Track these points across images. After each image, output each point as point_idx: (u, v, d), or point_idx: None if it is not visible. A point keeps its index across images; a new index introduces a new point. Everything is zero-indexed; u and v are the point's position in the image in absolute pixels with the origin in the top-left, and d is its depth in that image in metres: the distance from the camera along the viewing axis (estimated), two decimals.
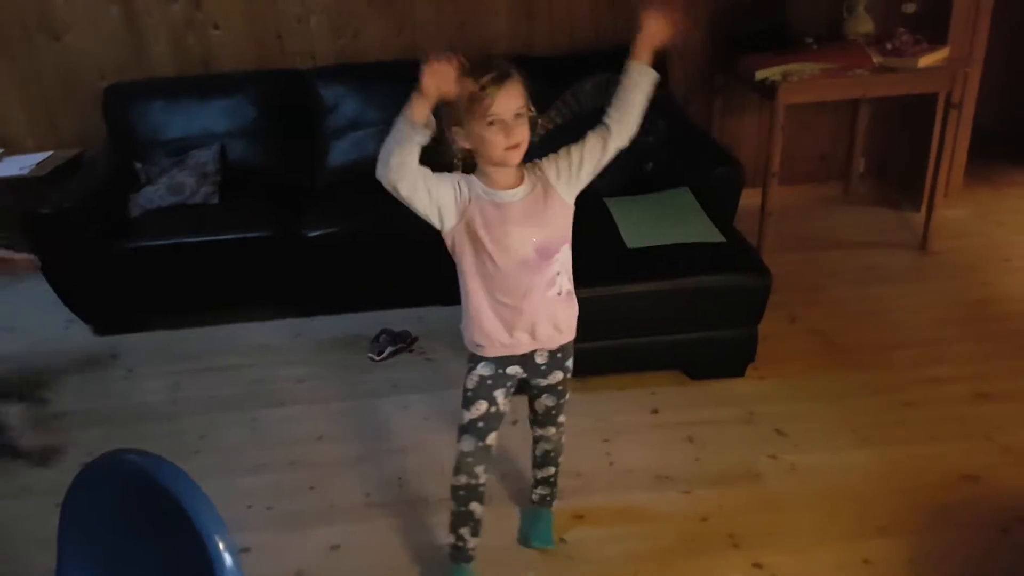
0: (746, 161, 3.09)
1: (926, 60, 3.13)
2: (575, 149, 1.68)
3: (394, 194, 1.56)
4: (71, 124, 3.56)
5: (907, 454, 2.29)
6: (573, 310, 1.81)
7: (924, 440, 2.34)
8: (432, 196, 1.59)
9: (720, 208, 2.81)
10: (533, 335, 1.74)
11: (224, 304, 3.16)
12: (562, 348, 1.82)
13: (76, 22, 3.41)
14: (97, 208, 3.03)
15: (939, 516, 2.07)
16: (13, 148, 3.56)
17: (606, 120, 1.68)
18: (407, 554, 2.06)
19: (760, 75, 3.10)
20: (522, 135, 1.57)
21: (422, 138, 1.51)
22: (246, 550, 2.08)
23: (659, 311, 2.50)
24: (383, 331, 2.91)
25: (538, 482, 2.10)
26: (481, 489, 1.88)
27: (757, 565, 1.95)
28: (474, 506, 1.89)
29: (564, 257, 1.74)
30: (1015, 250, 3.39)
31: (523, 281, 1.68)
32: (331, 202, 3.14)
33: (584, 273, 2.42)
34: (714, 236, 2.60)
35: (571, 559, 2.01)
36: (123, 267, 2.99)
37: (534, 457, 2.07)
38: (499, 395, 1.80)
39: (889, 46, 3.22)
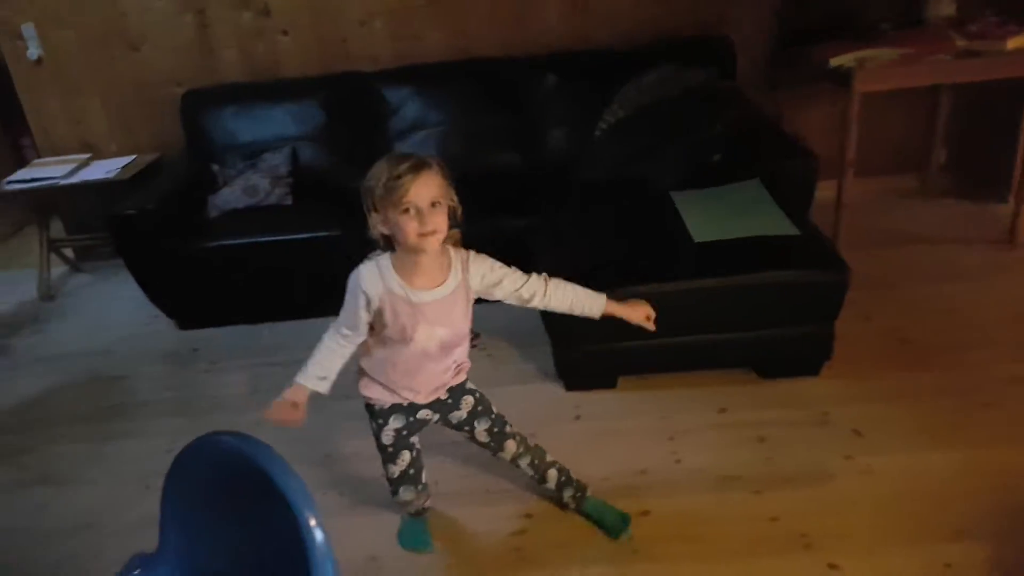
0: (816, 152, 3.01)
1: (1015, 43, 2.97)
2: (507, 277, 1.82)
3: None
4: (150, 130, 3.72)
5: (987, 456, 2.19)
6: (461, 378, 1.97)
7: (1004, 441, 2.24)
8: (363, 325, 1.78)
9: (794, 200, 2.72)
10: (421, 394, 1.90)
11: (298, 300, 3.25)
12: (459, 383, 1.96)
13: (152, 33, 3.57)
14: (177, 209, 3.17)
15: (1022, 519, 1.98)
16: (98, 153, 3.75)
17: (544, 288, 1.85)
18: (475, 539, 2.10)
19: (835, 62, 3.01)
20: (437, 223, 1.63)
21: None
22: None
23: (729, 308, 2.44)
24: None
25: (557, 493, 2.11)
26: (425, 505, 2.12)
27: (832, 566, 1.90)
28: (424, 509, 2.13)
29: (462, 350, 1.90)
30: None
31: (420, 366, 1.83)
32: None
33: (648, 268, 2.43)
34: (788, 229, 2.51)
35: (637, 554, 2.00)
36: (202, 265, 3.11)
37: (530, 479, 2.11)
38: (415, 440, 1.98)
39: (973, 29, 3.08)
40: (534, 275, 1.85)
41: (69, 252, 4.07)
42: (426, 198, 1.61)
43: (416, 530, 2.13)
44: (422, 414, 1.94)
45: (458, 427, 2.00)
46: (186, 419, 2.73)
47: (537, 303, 1.85)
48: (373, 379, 1.89)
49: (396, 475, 1.98)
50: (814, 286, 2.40)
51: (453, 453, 2.42)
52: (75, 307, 3.70)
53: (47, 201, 3.77)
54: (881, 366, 2.61)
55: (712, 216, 2.66)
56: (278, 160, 3.31)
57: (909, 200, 3.75)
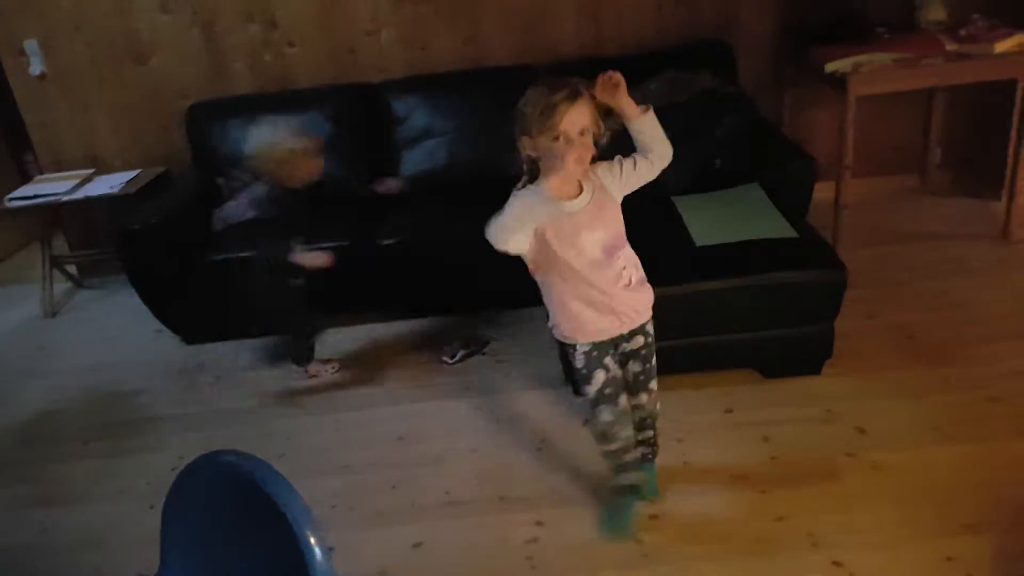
0: (820, 154, 3.04)
1: (1003, 46, 3.03)
2: (627, 161, 1.86)
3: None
4: (156, 143, 3.74)
5: (991, 450, 2.22)
6: (647, 295, 1.99)
7: (1009, 436, 2.27)
8: (523, 233, 1.76)
9: (793, 203, 2.77)
10: (619, 320, 1.92)
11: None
12: (644, 320, 2.00)
13: (160, 46, 3.59)
14: (182, 223, 3.19)
15: None
16: (103, 168, 3.76)
17: (646, 156, 1.86)
18: (488, 550, 2.11)
19: (830, 67, 3.05)
20: (586, 151, 1.72)
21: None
22: (331, 549, 2.14)
23: (731, 309, 2.48)
24: (456, 335, 2.98)
25: (639, 443, 2.15)
26: (631, 440, 2.04)
27: (837, 563, 1.93)
28: (632, 455, 2.07)
29: (628, 253, 1.93)
30: None
31: (597, 278, 1.85)
32: (404, 211, 3.21)
33: (651, 272, 2.45)
34: (787, 232, 2.56)
35: (647, 557, 2.02)
36: (207, 279, 3.13)
37: (633, 422, 2.13)
38: (608, 362, 1.96)
39: (964, 33, 3.13)
40: (635, 155, 1.87)
41: (73, 268, 4.08)
42: (577, 126, 1.69)
43: (621, 511, 2.12)
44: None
45: (619, 356, 2.02)
46: (193, 435, 2.74)
47: (660, 160, 1.87)
48: (567, 318, 1.92)
49: (592, 396, 1.98)
50: (813, 286, 2.45)
51: (465, 462, 2.45)
52: (79, 323, 3.72)
53: (50, 217, 3.79)
54: (885, 363, 2.65)
55: (713, 220, 2.70)
56: None
57: (908, 199, 3.79)
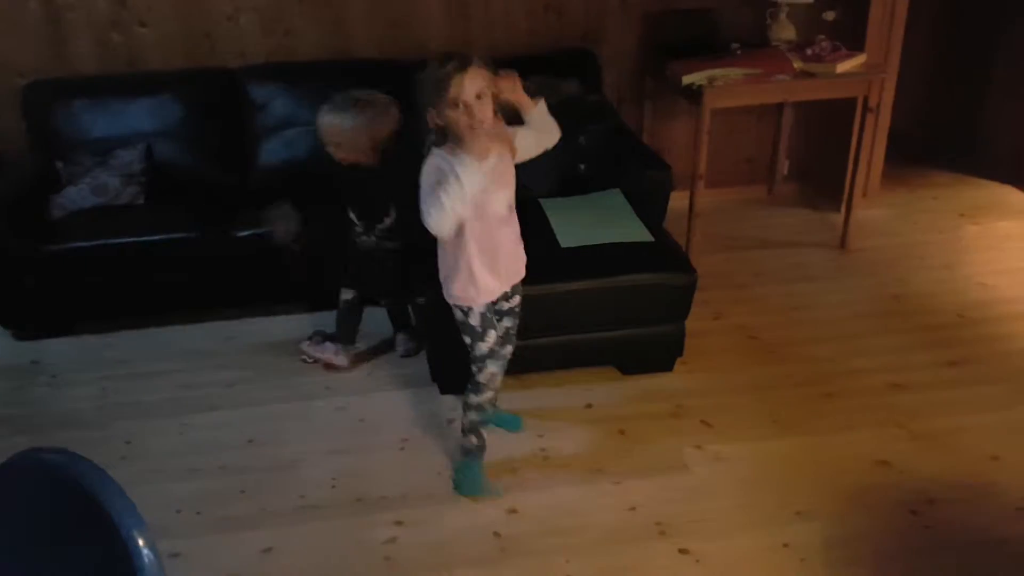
0: (676, 164, 3.17)
1: (844, 66, 3.27)
2: (520, 133, 2.01)
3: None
4: None
5: (825, 442, 2.39)
6: (524, 255, 2.18)
7: (841, 429, 2.45)
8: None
9: (651, 209, 2.88)
10: (509, 277, 2.13)
11: (151, 308, 3.09)
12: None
13: None
14: (15, 209, 2.94)
15: (854, 500, 2.17)
16: None
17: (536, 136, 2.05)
18: (342, 555, 2.06)
19: (686, 80, 3.18)
20: (484, 113, 1.84)
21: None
22: (176, 555, 2.05)
23: (592, 309, 2.56)
24: (316, 332, 2.89)
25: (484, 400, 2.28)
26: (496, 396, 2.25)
27: (683, 551, 2.02)
28: (493, 408, 2.27)
29: (516, 218, 2.11)
30: (929, 249, 3.56)
31: (501, 234, 2.04)
32: (261, 202, 3.09)
33: None
34: (644, 236, 2.67)
35: (504, 551, 2.04)
36: (44, 270, 2.90)
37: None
38: (497, 321, 2.16)
39: (809, 52, 3.35)
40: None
41: None
42: (472, 91, 1.81)
43: (478, 473, 2.25)
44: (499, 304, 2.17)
45: (498, 312, 2.18)
46: (27, 438, 2.51)
47: (542, 146, 2.09)
48: (470, 279, 2.04)
49: (485, 351, 2.13)
50: (666, 288, 2.56)
51: (321, 464, 2.39)
52: None
53: None
54: (730, 361, 2.80)
55: (577, 223, 2.77)
56: (131, 157, 3.14)
57: (757, 208, 4.01)
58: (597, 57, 3.56)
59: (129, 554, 1.08)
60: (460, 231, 1.96)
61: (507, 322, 2.22)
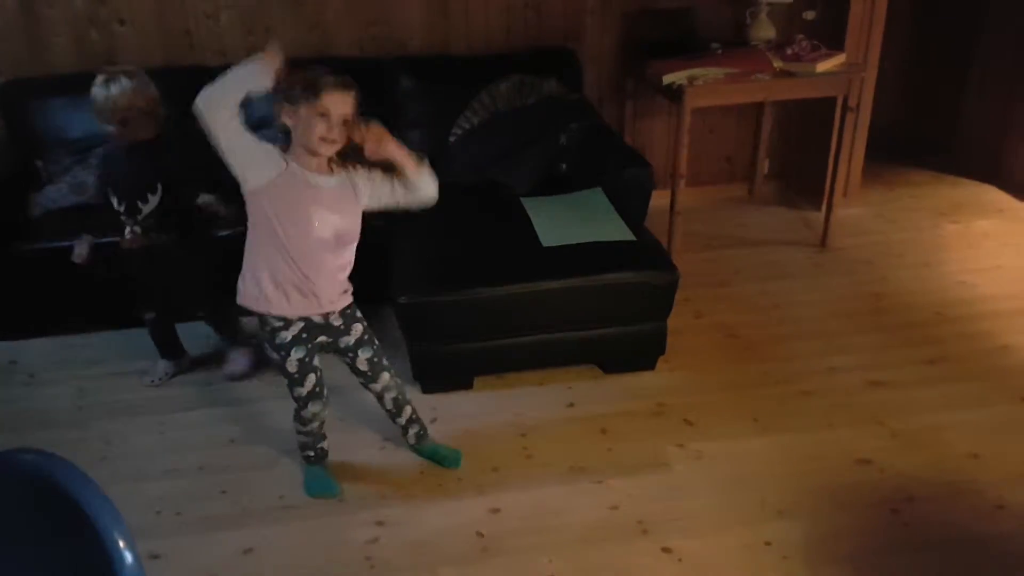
0: (657, 163, 3.19)
1: (823, 65, 3.29)
2: (387, 178, 1.99)
3: (212, 127, 1.77)
4: None
5: (805, 440, 2.41)
6: (349, 298, 2.09)
7: (821, 427, 2.46)
8: (253, 148, 1.83)
9: (632, 208, 2.88)
10: (318, 300, 1.99)
11: (129, 307, 3.06)
12: (349, 307, 2.10)
13: None
14: None
15: (834, 498, 2.18)
16: None
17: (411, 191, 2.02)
18: (322, 553, 2.06)
19: (667, 79, 3.19)
20: (340, 136, 1.84)
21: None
22: (156, 556, 2.03)
23: (574, 307, 2.56)
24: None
25: (405, 427, 2.33)
26: (323, 419, 2.22)
27: (666, 549, 2.02)
28: (320, 429, 2.24)
29: (351, 255, 2.02)
30: (907, 247, 3.59)
31: (318, 257, 1.94)
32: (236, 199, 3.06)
33: (500, 271, 2.51)
34: (625, 235, 2.67)
35: (486, 551, 2.04)
36: (23, 269, 2.87)
37: (387, 412, 2.27)
38: (317, 362, 2.11)
39: (789, 52, 3.37)
40: (398, 180, 2.00)
41: None
42: (340, 111, 1.81)
43: (320, 475, 2.27)
44: (320, 340, 2.08)
45: (343, 352, 2.14)
46: (5, 438, 2.49)
47: (414, 202, 2.05)
48: (259, 286, 1.96)
49: (304, 395, 2.11)
50: (647, 287, 2.56)
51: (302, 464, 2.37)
52: None
53: None
54: (711, 359, 2.81)
55: (559, 222, 2.78)
56: None
57: (738, 207, 4.04)
58: (578, 56, 3.56)
59: (109, 555, 1.08)
60: (256, 224, 1.92)
61: (364, 354, 2.14)
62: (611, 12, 3.66)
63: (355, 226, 1.99)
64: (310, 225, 1.89)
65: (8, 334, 3.03)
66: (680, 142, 3.19)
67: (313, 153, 1.86)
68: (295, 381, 2.09)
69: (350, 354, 2.14)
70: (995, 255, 3.51)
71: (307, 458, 2.28)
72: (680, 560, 1.99)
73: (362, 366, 2.16)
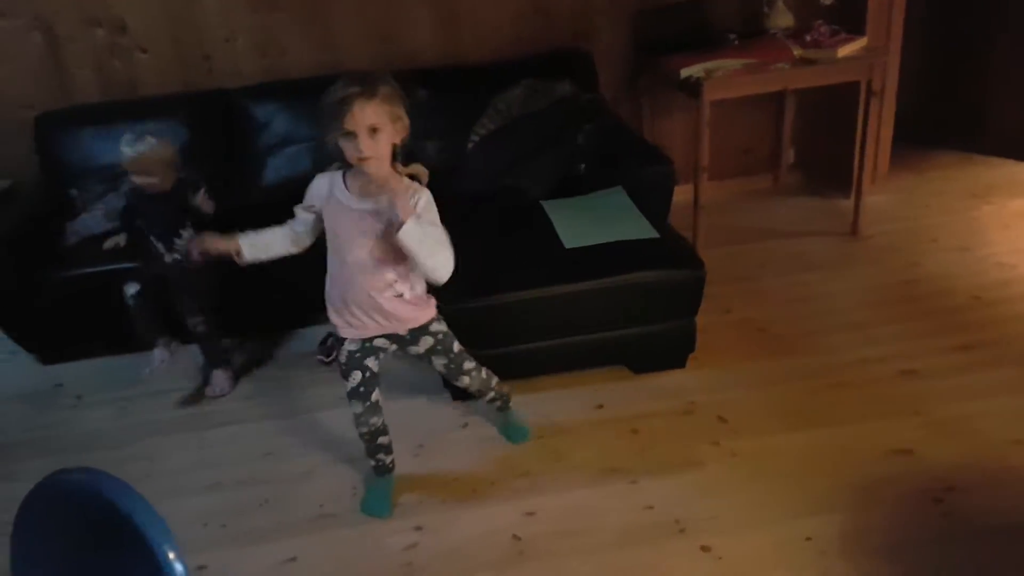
0: (677, 158, 3.16)
1: (844, 50, 3.24)
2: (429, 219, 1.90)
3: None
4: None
5: (841, 433, 2.38)
6: (413, 311, 2.06)
7: (856, 419, 2.43)
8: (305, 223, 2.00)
9: (654, 205, 2.87)
10: (364, 320, 2.02)
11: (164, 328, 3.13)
12: (419, 326, 2.09)
13: None
14: (32, 237, 2.99)
15: (874, 490, 2.15)
16: None
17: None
18: (363, 562, 2.08)
19: (684, 73, 3.18)
20: (371, 149, 1.76)
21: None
22: (203, 568, 2.08)
23: (600, 309, 2.55)
24: (330, 335, 2.92)
25: (488, 402, 2.42)
26: (381, 427, 2.17)
27: (704, 548, 2.01)
28: (381, 439, 2.20)
29: (403, 271, 1.98)
30: (941, 231, 3.52)
31: (353, 278, 1.95)
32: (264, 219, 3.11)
33: (524, 275, 2.51)
34: (649, 233, 2.66)
35: (522, 554, 2.05)
36: (62, 295, 2.95)
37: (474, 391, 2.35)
38: (370, 363, 2.08)
39: (808, 38, 3.33)
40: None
41: None
42: (364, 124, 1.73)
43: (379, 494, 2.26)
44: (379, 342, 2.08)
45: (416, 357, 2.17)
46: (53, 459, 2.56)
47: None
48: (329, 304, 2.05)
49: (348, 390, 2.10)
50: (674, 284, 2.55)
51: (338, 473, 2.42)
52: None
53: None
54: (741, 355, 2.78)
55: (580, 223, 2.77)
56: None
57: (763, 199, 4.00)
58: (590, 56, 3.55)
59: (160, 568, 1.11)
60: (331, 247, 1.99)
61: (438, 361, 2.17)
62: (621, 10, 3.65)
63: (396, 249, 1.89)
64: (349, 249, 1.93)
65: (54, 357, 3.13)
66: (700, 136, 3.18)
67: (362, 172, 1.84)
68: (343, 373, 2.11)
69: (423, 360, 2.18)
70: None
71: (373, 467, 2.28)
72: (720, 558, 1.98)
73: (440, 369, 2.21)
